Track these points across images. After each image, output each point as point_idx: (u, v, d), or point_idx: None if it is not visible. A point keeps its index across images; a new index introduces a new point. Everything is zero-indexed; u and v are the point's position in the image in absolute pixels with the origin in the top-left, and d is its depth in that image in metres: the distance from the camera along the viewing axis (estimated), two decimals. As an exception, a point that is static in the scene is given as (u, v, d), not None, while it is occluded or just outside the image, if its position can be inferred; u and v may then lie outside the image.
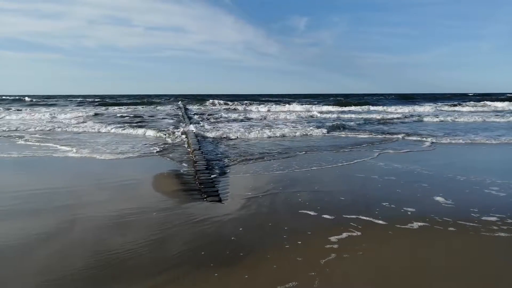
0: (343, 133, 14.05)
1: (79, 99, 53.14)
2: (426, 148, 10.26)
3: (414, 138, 12.32)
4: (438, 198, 5.23)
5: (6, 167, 7.89)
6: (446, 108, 32.69)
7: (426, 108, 31.11)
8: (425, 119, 20.62)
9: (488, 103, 36.55)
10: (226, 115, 22.25)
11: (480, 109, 32.29)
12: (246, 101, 38.05)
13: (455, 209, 4.81)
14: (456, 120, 20.16)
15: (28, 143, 11.17)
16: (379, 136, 12.91)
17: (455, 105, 35.18)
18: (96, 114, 24.16)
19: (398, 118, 21.48)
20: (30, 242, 3.80)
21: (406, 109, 29.86)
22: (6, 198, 5.42)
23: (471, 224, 4.24)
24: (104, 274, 3.15)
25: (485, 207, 4.83)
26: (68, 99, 54.43)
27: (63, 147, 10.23)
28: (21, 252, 3.56)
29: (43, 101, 46.87)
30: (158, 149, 9.85)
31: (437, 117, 20.98)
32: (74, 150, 9.68)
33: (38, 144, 10.92)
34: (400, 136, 12.71)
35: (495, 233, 3.97)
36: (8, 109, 30.38)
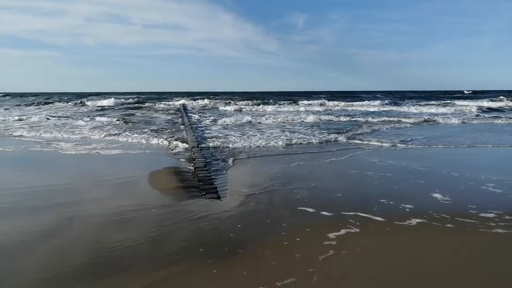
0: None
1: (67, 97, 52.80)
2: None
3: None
4: (436, 195, 5.25)
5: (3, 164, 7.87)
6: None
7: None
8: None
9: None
10: (232, 120, 18.10)
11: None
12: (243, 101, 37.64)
13: (453, 205, 4.83)
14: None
15: None
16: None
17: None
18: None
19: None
20: (30, 240, 3.79)
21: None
22: (8, 195, 5.41)
23: (469, 220, 4.25)
24: (103, 271, 3.15)
25: (482, 203, 4.85)
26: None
27: None
28: (20, 250, 3.56)
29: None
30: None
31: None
32: None
33: None
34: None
35: (493, 230, 3.99)
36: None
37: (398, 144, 10.46)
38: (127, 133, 12.85)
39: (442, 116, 20.79)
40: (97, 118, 18.87)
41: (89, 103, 34.09)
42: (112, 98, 37.84)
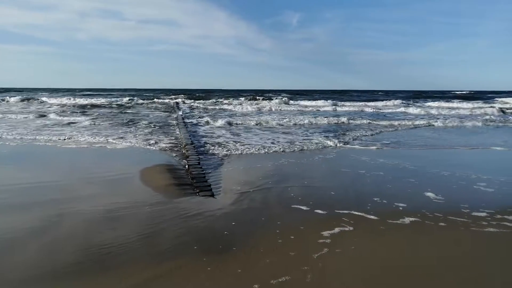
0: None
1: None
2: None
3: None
4: (428, 194, 5.28)
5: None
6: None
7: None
8: None
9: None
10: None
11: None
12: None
13: (445, 204, 4.86)
14: None
15: None
16: None
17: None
18: None
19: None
20: (21, 236, 3.73)
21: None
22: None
23: (462, 219, 4.29)
24: (95, 268, 3.11)
25: (474, 202, 4.90)
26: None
27: None
28: (12, 247, 3.50)
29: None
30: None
31: None
32: None
33: None
34: None
35: (485, 228, 4.03)
36: None
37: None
38: (117, 131, 12.72)
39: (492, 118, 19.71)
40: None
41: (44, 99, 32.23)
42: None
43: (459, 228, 4.05)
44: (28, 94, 46.94)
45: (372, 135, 12.73)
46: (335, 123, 17.15)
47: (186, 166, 6.88)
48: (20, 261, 3.22)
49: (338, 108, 28.36)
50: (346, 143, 10.51)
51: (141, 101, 34.41)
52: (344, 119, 17.88)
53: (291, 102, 34.61)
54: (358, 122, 17.67)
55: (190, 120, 17.21)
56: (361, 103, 33.32)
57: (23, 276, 2.98)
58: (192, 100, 36.07)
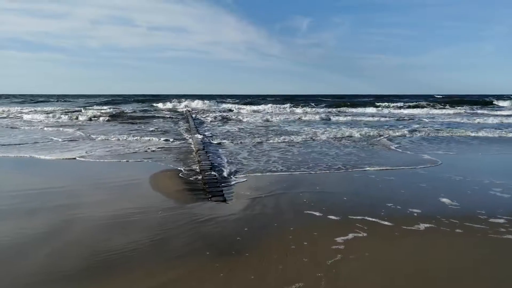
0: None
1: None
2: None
3: None
4: (444, 199, 5.19)
5: (6, 167, 7.90)
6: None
7: None
8: None
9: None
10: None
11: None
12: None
13: (461, 210, 4.77)
14: None
15: None
16: None
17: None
18: None
19: None
20: (31, 242, 3.77)
21: None
22: (7, 197, 5.41)
23: (479, 226, 4.20)
24: (107, 273, 3.13)
25: (491, 208, 4.79)
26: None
27: None
28: (22, 251, 3.54)
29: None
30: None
31: None
32: None
33: None
34: None
35: (504, 235, 3.93)
36: None
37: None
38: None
39: None
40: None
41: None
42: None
43: (476, 235, 3.97)
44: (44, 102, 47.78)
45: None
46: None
47: (198, 171, 6.90)
48: (30, 266, 3.25)
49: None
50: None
51: (150, 107, 34.71)
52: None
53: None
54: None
55: (200, 126, 17.30)
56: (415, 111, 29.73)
57: (34, 281, 3.01)
58: (202, 105, 36.21)
